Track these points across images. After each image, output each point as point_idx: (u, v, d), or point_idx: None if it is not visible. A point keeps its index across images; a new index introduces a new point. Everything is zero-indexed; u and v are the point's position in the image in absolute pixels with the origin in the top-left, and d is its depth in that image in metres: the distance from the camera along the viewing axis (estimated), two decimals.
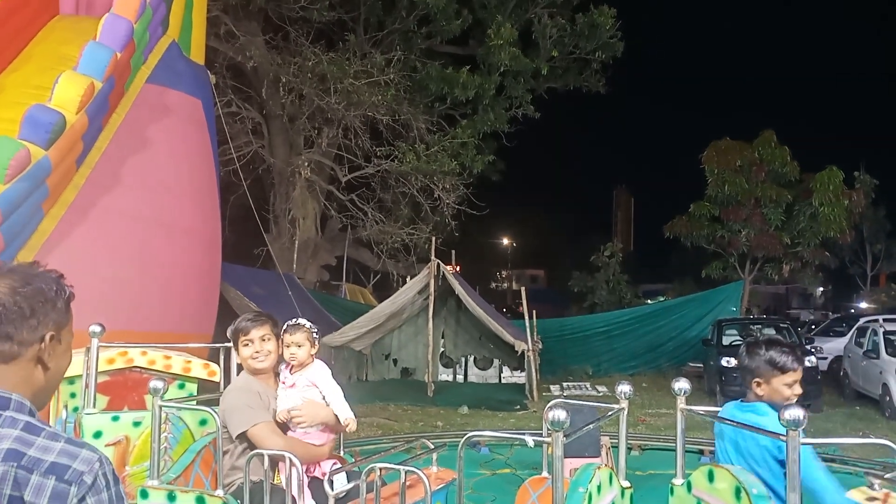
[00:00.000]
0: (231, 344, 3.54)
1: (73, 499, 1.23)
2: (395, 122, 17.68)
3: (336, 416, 3.36)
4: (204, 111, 9.13)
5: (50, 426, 1.33)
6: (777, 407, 2.86)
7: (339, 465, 3.31)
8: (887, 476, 2.81)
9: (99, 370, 4.03)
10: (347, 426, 3.37)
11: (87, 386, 4.02)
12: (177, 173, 8.32)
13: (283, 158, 18.07)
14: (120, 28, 7.14)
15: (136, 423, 3.95)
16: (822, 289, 37.68)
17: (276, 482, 3.15)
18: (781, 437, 2.35)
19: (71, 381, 4.43)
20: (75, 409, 4.31)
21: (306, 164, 17.39)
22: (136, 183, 7.74)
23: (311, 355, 3.42)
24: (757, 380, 2.96)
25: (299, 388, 3.38)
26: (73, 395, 4.44)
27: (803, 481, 2.67)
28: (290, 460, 2.95)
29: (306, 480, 3.14)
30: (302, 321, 3.45)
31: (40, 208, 6.56)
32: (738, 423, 2.86)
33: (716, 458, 3.14)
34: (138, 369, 4.46)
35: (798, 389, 2.99)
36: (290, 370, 3.41)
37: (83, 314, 4.60)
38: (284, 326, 3.42)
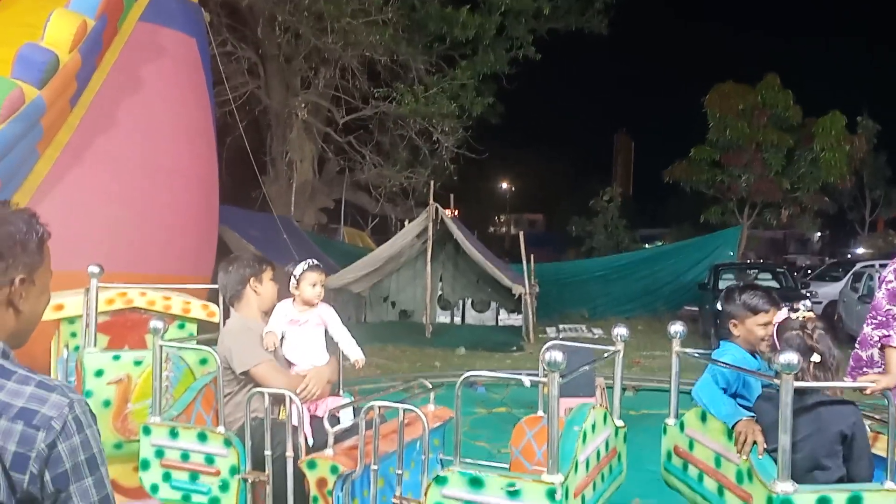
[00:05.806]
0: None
1: (41, 444, 1.22)
2: (394, 62, 17.38)
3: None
4: (198, 50, 8.94)
5: (23, 369, 1.29)
6: (740, 344, 2.99)
7: (340, 403, 3.38)
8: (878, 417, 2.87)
9: (99, 310, 4.06)
10: (357, 366, 3.52)
11: (87, 325, 4.05)
12: (172, 114, 8.21)
13: (280, 99, 17.81)
14: None
15: (137, 363, 3.99)
16: (819, 234, 37.75)
17: (282, 417, 3.23)
18: (775, 380, 2.39)
19: (71, 320, 4.46)
20: (76, 349, 4.36)
21: (303, 105, 17.15)
22: (131, 124, 7.64)
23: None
24: (733, 321, 3.07)
25: (310, 325, 3.49)
26: (73, 335, 4.48)
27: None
28: (290, 398, 3.02)
29: (307, 416, 3.22)
30: (317, 262, 3.57)
31: (35, 149, 6.50)
32: (731, 364, 2.91)
33: None
34: (138, 310, 4.49)
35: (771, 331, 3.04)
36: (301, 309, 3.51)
37: (81, 256, 4.61)
38: (306, 265, 3.49)
